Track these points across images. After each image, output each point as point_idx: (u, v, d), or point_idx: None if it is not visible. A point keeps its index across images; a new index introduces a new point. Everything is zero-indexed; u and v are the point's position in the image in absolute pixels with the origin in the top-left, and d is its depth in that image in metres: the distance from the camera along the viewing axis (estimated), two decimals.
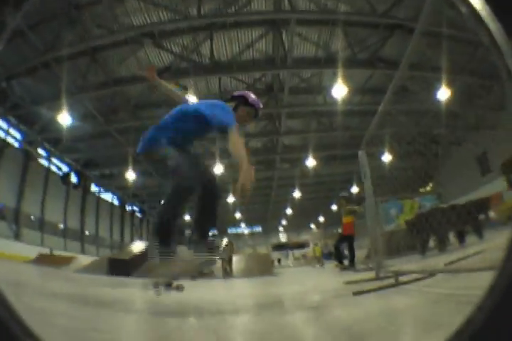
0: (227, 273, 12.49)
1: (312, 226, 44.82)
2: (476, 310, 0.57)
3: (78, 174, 23.17)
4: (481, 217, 8.12)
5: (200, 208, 2.90)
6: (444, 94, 15.29)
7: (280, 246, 45.02)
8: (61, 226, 23.53)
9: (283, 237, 46.36)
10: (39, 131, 18.64)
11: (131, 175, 21.24)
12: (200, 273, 9.07)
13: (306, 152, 21.39)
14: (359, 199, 9.62)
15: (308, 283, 7.03)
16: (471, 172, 19.31)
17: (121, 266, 10.53)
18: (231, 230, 46.68)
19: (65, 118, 15.80)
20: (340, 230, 9.51)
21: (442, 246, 7.78)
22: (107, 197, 30.96)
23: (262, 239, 46.58)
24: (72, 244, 23.71)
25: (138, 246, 13.36)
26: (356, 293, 3.02)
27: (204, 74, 15.81)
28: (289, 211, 36.02)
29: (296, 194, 28.71)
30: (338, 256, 9.41)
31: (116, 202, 32.40)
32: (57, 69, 14.42)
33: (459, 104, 16.96)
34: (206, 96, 16.18)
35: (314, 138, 21.07)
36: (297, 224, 43.32)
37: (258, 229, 47.64)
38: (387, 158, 13.56)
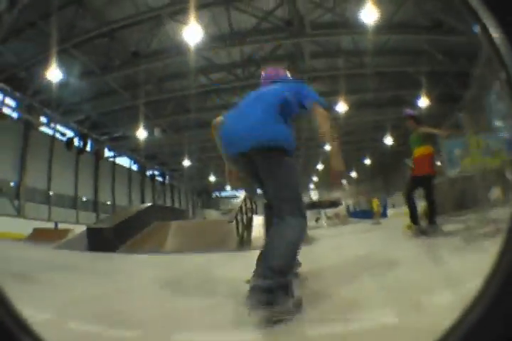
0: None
1: (344, 182, 42.51)
2: (470, 308, 0.57)
3: (83, 137, 21.41)
4: None
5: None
6: None
7: (312, 205, 42.56)
8: (71, 196, 22.52)
9: (314, 195, 44.13)
10: (34, 94, 17.23)
11: (142, 134, 19.58)
12: None
13: (335, 95, 18.81)
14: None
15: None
16: None
17: (102, 238, 8.12)
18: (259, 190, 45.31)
19: (55, 75, 13.97)
20: (411, 169, 5.77)
21: None
22: (124, 162, 29.49)
23: None
24: (86, 215, 22.78)
25: (133, 210, 10.89)
26: None
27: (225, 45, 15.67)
28: (319, 166, 33.57)
29: (327, 147, 26.26)
30: (412, 212, 5.47)
31: (135, 168, 31.02)
32: (44, 25, 13.05)
33: None
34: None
35: (343, 81, 18.45)
36: (328, 181, 41.16)
37: None
38: None
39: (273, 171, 2.15)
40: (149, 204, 13.49)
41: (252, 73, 17.81)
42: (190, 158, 27.92)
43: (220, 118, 2.83)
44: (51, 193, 20.54)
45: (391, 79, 19.29)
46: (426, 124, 5.74)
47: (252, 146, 2.16)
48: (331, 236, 10.43)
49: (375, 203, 20.75)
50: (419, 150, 5.52)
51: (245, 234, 8.30)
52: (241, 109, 2.43)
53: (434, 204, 5.32)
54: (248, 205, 10.29)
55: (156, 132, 22.02)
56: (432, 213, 5.27)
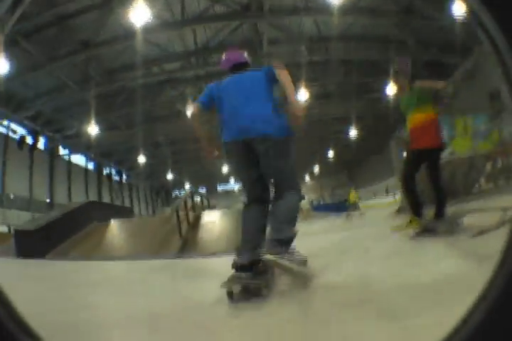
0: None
1: (306, 177, 41.77)
2: (473, 309, 0.57)
3: (35, 134, 19.79)
4: None
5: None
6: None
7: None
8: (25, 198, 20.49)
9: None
10: None
11: (94, 130, 17.96)
12: None
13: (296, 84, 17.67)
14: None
15: None
16: None
17: (28, 242, 6.60)
18: (221, 187, 43.87)
19: (2, 66, 12.40)
20: (407, 144, 4.31)
21: None
22: (80, 161, 27.30)
23: None
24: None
25: (67, 208, 9.09)
26: None
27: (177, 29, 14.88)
28: None
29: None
30: (414, 200, 3.86)
31: (91, 166, 28.88)
32: None
33: None
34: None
35: (305, 68, 17.29)
36: None
37: None
38: None
39: (275, 156, 2.48)
40: (87, 201, 11.73)
41: (207, 61, 16.76)
42: (146, 155, 26.27)
43: (196, 105, 2.82)
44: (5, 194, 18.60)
45: (358, 68, 18.38)
46: (424, 77, 3.99)
47: (257, 135, 2.44)
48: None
49: (352, 194, 18.91)
50: (418, 116, 3.83)
51: (190, 234, 6.81)
52: (237, 100, 2.60)
53: (443, 191, 3.79)
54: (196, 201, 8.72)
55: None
56: (440, 203, 3.71)
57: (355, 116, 22.64)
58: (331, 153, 32.20)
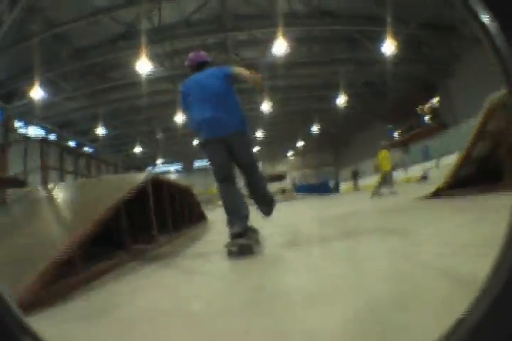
0: None
1: (289, 153, 38.85)
2: (474, 306, 0.57)
3: None
4: None
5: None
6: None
7: None
8: None
9: None
10: None
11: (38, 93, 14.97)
12: None
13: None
14: None
15: None
16: None
17: None
18: (196, 164, 40.83)
19: None
20: None
21: None
22: (37, 133, 23.41)
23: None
24: None
25: None
26: None
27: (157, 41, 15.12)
28: (259, 134, 29.39)
29: (265, 107, 21.74)
30: None
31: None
32: None
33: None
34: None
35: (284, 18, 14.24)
36: (272, 151, 37.40)
37: None
38: None
39: (244, 147, 3.23)
40: None
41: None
42: (107, 125, 23.06)
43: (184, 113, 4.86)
44: None
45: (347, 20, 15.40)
46: None
47: (229, 133, 3.13)
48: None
49: (384, 155, 10.82)
50: None
51: None
52: (202, 102, 3.21)
53: None
54: None
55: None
56: None
57: (344, 81, 19.72)
58: (315, 128, 29.03)
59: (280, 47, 14.47)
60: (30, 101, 16.97)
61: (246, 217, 3.01)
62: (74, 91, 18.43)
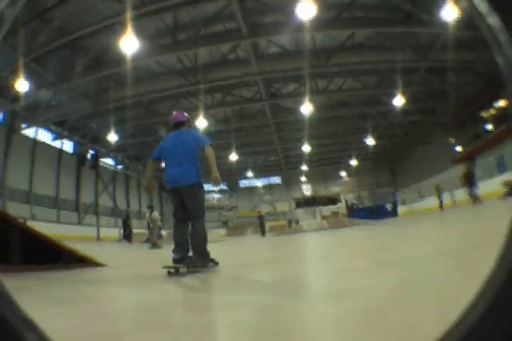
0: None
1: (343, 173, 35.94)
2: (471, 307, 0.58)
3: None
4: None
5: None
6: None
7: (305, 202, 35.02)
8: None
9: (307, 190, 37.44)
10: None
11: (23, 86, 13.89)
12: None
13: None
14: None
15: None
16: None
17: None
18: (243, 183, 39.18)
19: None
20: None
21: None
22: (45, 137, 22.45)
23: (283, 193, 38.62)
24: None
25: None
26: None
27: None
28: (306, 148, 26.77)
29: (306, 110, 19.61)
30: None
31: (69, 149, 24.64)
32: None
33: None
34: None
35: None
36: (323, 172, 34.85)
37: (276, 179, 39.51)
38: None
39: (193, 197, 3.98)
40: None
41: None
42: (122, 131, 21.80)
43: (150, 160, 4.41)
44: None
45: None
46: None
47: (182, 185, 3.93)
48: None
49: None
50: None
51: None
52: (173, 158, 4.05)
53: None
54: None
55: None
56: None
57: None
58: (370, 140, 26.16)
59: None
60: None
61: (187, 249, 3.92)
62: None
